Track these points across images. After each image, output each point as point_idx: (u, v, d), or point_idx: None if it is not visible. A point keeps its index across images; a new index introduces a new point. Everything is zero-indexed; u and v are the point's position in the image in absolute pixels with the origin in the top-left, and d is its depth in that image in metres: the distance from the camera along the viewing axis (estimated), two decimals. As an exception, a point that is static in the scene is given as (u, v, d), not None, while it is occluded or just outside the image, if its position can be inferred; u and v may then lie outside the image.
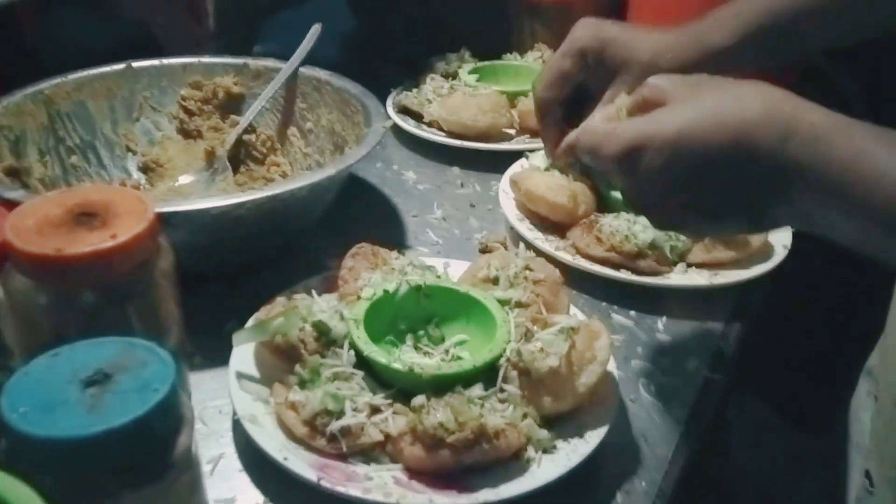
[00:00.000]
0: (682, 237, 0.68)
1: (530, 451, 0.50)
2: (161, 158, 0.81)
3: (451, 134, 0.91)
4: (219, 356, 0.58)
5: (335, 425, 0.49)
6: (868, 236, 0.47)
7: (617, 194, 0.73)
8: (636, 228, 0.68)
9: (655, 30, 0.70)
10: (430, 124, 0.94)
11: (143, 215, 0.49)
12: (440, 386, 0.52)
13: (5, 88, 0.76)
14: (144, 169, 0.82)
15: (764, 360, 1.18)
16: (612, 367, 0.56)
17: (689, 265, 0.69)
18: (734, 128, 0.47)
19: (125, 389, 0.41)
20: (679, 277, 0.68)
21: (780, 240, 0.72)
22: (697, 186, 0.49)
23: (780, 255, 0.71)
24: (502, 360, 0.54)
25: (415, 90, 0.98)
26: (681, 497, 0.55)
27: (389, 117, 0.84)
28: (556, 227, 0.73)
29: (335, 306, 0.57)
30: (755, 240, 0.70)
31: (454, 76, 1.00)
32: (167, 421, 0.41)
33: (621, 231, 0.68)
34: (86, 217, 0.49)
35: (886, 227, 0.45)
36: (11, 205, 0.56)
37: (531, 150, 0.84)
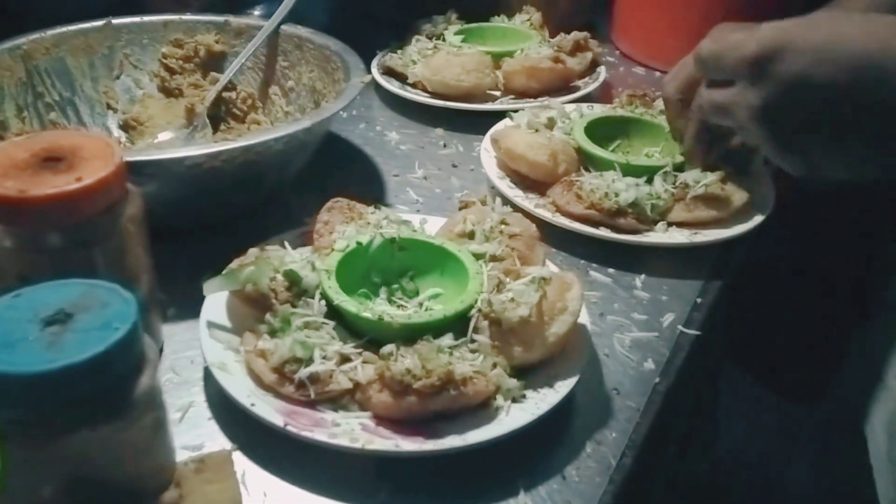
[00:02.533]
0: (663, 196, 0.68)
1: (499, 400, 0.50)
2: (142, 116, 0.81)
3: (434, 95, 0.90)
4: (192, 309, 0.58)
5: (304, 372, 0.49)
6: None
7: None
8: (617, 186, 0.67)
9: None
10: (414, 85, 0.93)
11: (111, 160, 0.49)
12: (410, 335, 0.52)
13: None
14: (125, 127, 0.81)
15: (750, 331, 1.18)
16: (586, 320, 0.56)
17: (670, 224, 0.68)
18: (886, 35, 0.43)
19: (85, 328, 0.40)
20: (659, 236, 0.67)
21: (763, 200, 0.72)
22: (839, 102, 0.45)
23: (761, 215, 0.70)
24: (473, 311, 0.53)
25: (399, 51, 0.97)
26: (670, 465, 0.55)
27: (370, 73, 0.83)
28: (536, 185, 0.73)
29: (307, 257, 0.57)
30: (737, 199, 0.69)
31: (440, 37, 0.99)
32: (127, 359, 0.41)
33: (601, 188, 0.67)
34: (52, 161, 0.49)
35: None
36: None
37: (515, 111, 0.83)
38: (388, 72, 0.96)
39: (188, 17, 0.84)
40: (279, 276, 0.55)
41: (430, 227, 0.64)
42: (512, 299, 0.52)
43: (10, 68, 0.75)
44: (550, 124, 0.77)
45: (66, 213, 0.47)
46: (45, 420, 0.39)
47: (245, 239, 0.63)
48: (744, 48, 0.49)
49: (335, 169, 0.79)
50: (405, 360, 0.48)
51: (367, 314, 0.52)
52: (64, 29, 0.79)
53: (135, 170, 0.52)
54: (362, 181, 0.79)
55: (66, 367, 0.38)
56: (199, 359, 0.55)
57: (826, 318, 1.13)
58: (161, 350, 0.56)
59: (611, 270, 0.67)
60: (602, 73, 0.96)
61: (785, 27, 0.48)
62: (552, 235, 0.67)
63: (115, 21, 0.81)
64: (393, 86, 0.92)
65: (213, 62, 0.83)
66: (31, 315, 0.41)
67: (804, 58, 0.46)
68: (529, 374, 0.52)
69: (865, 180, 0.56)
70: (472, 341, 0.52)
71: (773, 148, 0.54)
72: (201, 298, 0.56)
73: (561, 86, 0.91)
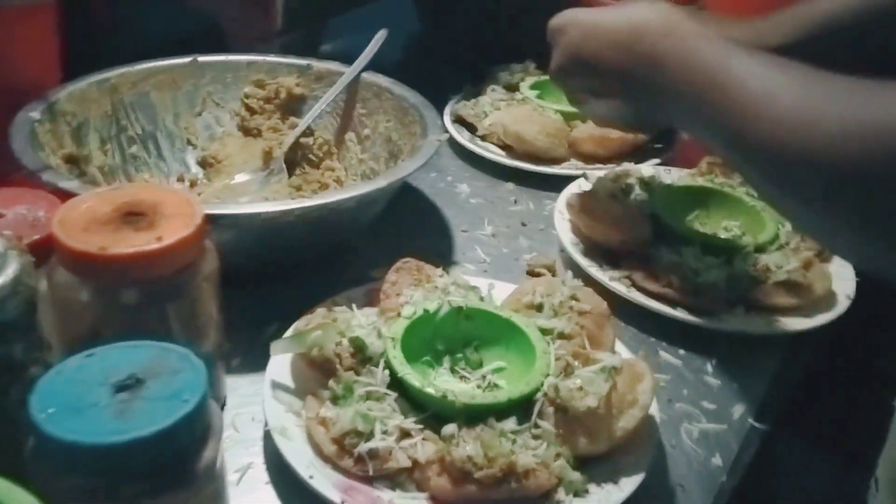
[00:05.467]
0: (743, 279, 0.66)
1: (560, 493, 0.49)
2: (220, 154, 0.82)
3: (504, 146, 0.90)
4: (257, 361, 0.58)
5: (363, 447, 0.49)
6: (711, 137, 0.53)
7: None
8: (698, 266, 0.65)
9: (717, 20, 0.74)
10: (483, 137, 0.93)
11: (191, 219, 0.49)
12: (473, 415, 0.51)
13: (75, 72, 0.77)
14: (203, 164, 0.82)
15: (810, 400, 1.13)
16: (653, 408, 0.54)
17: (748, 308, 0.66)
18: (635, 22, 0.58)
19: (155, 397, 0.40)
20: (736, 320, 0.65)
21: (844, 289, 0.69)
22: (599, 63, 0.61)
23: (842, 305, 0.67)
24: (539, 394, 0.52)
25: (473, 100, 0.97)
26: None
27: (446, 130, 0.83)
28: (610, 253, 0.71)
29: (374, 322, 0.56)
30: (818, 287, 0.67)
31: (515, 88, 0.99)
32: (194, 432, 0.41)
33: (681, 267, 0.65)
34: (133, 216, 0.49)
35: (724, 130, 0.50)
36: (66, 195, 0.57)
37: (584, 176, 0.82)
38: (459, 120, 0.95)
39: (271, 58, 0.85)
40: (344, 341, 0.54)
41: (498, 293, 0.63)
42: (580, 388, 0.51)
43: (97, 101, 0.77)
44: (627, 190, 0.75)
45: (144, 271, 0.47)
46: (109, 490, 0.39)
47: (310, 288, 0.63)
48: (551, 22, 0.67)
49: (404, 219, 0.78)
50: (467, 447, 0.47)
51: (430, 390, 0.51)
52: (151, 64, 0.81)
53: (211, 220, 0.53)
54: (430, 235, 0.78)
55: (135, 440, 0.38)
56: (261, 415, 0.55)
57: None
58: (223, 405, 0.56)
59: (681, 352, 0.65)
60: (679, 135, 0.94)
61: (582, 10, 0.64)
62: (623, 309, 0.66)
63: (201, 59, 0.83)
64: (464, 137, 0.92)
65: (293, 104, 0.84)
66: (103, 378, 0.41)
67: (578, 32, 0.63)
68: (591, 465, 0.51)
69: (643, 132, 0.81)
70: (536, 426, 0.51)
71: (569, 100, 0.71)
72: (266, 349, 0.56)
73: (631, 150, 0.90)
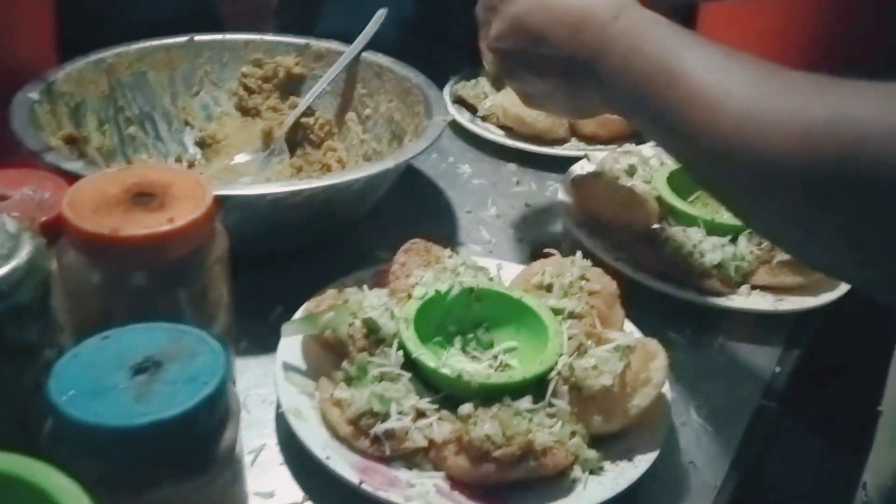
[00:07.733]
0: (748, 258, 0.66)
1: (576, 471, 0.49)
2: (218, 134, 0.81)
3: (504, 127, 0.90)
4: (265, 342, 0.58)
5: (380, 427, 0.49)
6: (657, 131, 0.51)
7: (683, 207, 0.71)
8: (703, 246, 0.66)
9: None
10: (484, 118, 0.92)
11: (201, 200, 0.48)
12: (488, 395, 0.51)
13: (68, 55, 0.76)
14: (201, 144, 0.81)
15: (811, 380, 1.14)
16: (664, 387, 0.55)
17: (754, 287, 0.66)
18: (585, 2, 0.55)
19: (174, 380, 0.40)
20: (742, 300, 0.65)
21: (847, 266, 0.69)
22: (543, 37, 0.57)
23: (846, 284, 0.68)
24: (553, 374, 0.52)
25: (472, 81, 0.97)
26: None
27: (449, 112, 0.82)
28: (615, 235, 0.71)
29: (386, 303, 0.56)
30: (822, 265, 0.67)
31: (516, 69, 0.98)
32: (214, 415, 0.40)
33: (686, 247, 0.65)
34: (143, 197, 0.48)
35: (674, 125, 0.48)
36: (69, 176, 0.56)
37: (587, 158, 0.81)
38: (459, 100, 0.95)
39: (269, 37, 0.84)
40: (357, 322, 0.54)
41: (506, 274, 0.63)
42: (595, 367, 0.51)
43: (94, 81, 0.76)
44: (631, 171, 0.75)
45: (155, 254, 0.47)
46: (129, 474, 0.38)
47: (316, 270, 0.63)
48: None
49: (408, 201, 0.78)
50: (485, 426, 0.47)
51: (445, 370, 0.51)
52: (148, 44, 0.79)
53: (217, 202, 0.52)
54: (434, 217, 0.78)
55: (155, 423, 0.38)
56: (272, 397, 0.55)
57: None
58: (233, 387, 0.56)
59: (688, 332, 0.65)
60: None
61: None
62: (628, 291, 0.65)
63: (198, 38, 0.82)
64: (464, 118, 0.91)
65: (292, 84, 0.83)
66: (120, 361, 0.41)
67: (526, 3, 0.58)
68: (606, 444, 0.51)
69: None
70: (551, 405, 0.51)
71: (502, 74, 0.64)
72: (273, 331, 0.56)
73: (632, 132, 0.89)
